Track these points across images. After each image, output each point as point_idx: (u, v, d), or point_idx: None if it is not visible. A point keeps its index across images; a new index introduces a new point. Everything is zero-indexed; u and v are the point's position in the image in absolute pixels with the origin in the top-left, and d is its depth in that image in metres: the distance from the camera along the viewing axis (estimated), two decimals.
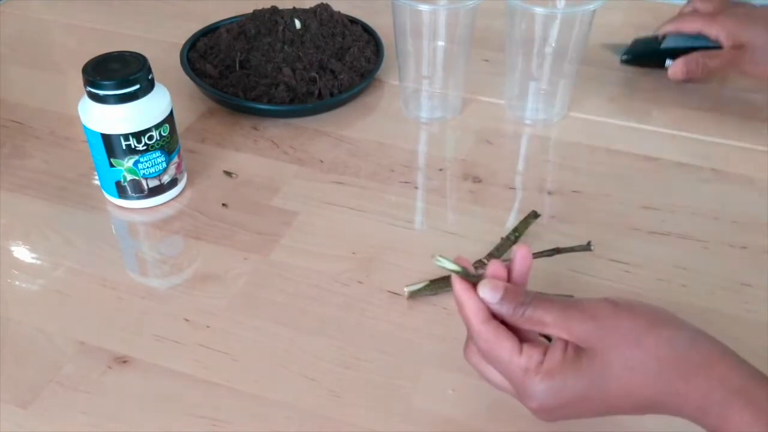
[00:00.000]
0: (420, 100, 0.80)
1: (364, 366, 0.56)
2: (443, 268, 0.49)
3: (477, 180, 0.72)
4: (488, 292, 0.47)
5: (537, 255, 0.58)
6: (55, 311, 0.60)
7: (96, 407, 0.53)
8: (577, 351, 0.45)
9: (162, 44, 0.91)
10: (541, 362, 0.46)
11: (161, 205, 0.70)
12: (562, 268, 0.63)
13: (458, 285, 0.48)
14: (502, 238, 0.64)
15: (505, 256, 0.62)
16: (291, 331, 0.58)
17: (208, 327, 0.59)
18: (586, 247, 0.62)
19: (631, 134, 0.78)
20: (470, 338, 0.49)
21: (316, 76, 0.80)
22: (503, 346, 0.46)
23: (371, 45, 0.88)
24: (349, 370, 0.55)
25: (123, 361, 0.56)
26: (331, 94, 0.80)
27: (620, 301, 0.46)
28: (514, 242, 0.63)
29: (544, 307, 0.46)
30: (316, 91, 0.80)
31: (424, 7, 0.72)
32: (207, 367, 0.56)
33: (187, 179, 0.72)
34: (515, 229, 0.64)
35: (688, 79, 0.78)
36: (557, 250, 0.62)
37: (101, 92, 0.63)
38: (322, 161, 0.75)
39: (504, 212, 0.69)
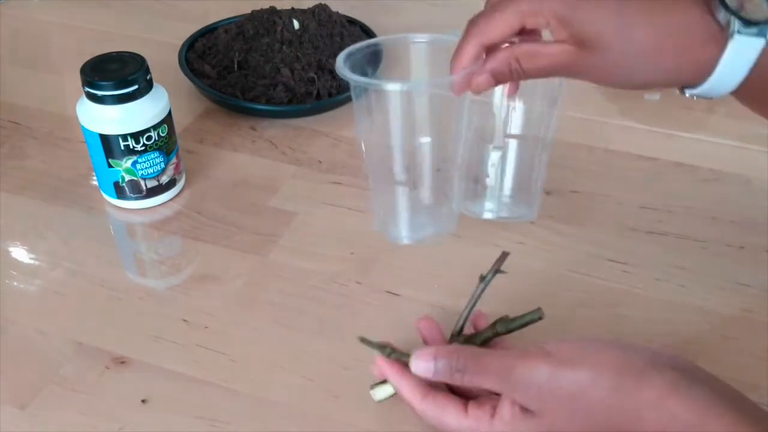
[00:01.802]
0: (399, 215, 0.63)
1: (363, 366, 0.56)
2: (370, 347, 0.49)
3: (476, 180, 0.72)
4: (421, 367, 0.47)
5: (470, 339, 0.53)
6: (53, 312, 0.60)
7: (94, 408, 0.53)
8: (524, 410, 0.44)
9: (160, 45, 0.91)
10: (491, 421, 0.45)
11: (159, 205, 0.70)
12: (560, 268, 0.63)
13: (388, 369, 0.48)
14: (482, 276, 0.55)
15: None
16: (289, 332, 0.58)
17: (206, 327, 0.59)
18: (536, 315, 0.52)
19: (630, 134, 0.78)
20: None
21: (315, 76, 0.80)
22: (448, 413, 0.46)
23: None
24: (348, 370, 0.55)
25: (121, 361, 0.56)
26: (330, 95, 0.80)
27: (560, 354, 0.44)
28: (499, 334, 0.54)
29: (480, 373, 0.46)
30: (315, 92, 0.80)
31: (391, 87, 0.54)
32: (205, 368, 0.56)
33: (186, 180, 0.72)
34: (509, 322, 0.54)
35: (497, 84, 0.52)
36: (499, 330, 0.53)
37: (99, 93, 0.63)
38: (320, 161, 0.75)
39: None
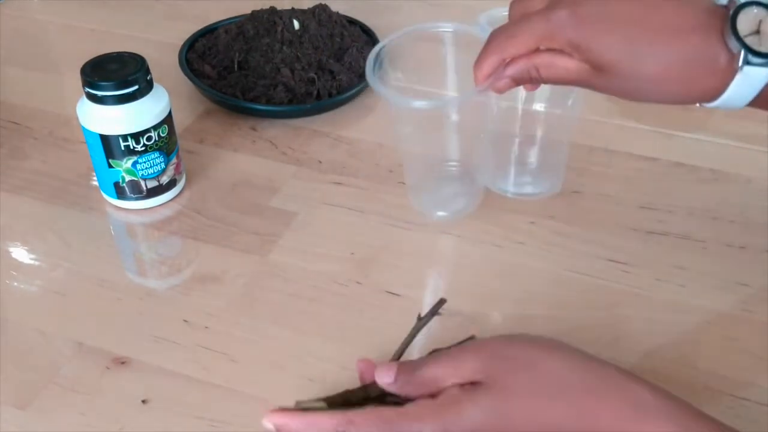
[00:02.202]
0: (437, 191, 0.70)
1: None
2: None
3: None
4: (384, 375, 0.46)
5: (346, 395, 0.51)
6: (53, 312, 0.60)
7: (94, 408, 0.53)
8: (473, 385, 0.43)
9: (160, 45, 0.91)
10: (434, 402, 0.44)
11: (160, 205, 0.70)
12: (559, 268, 0.63)
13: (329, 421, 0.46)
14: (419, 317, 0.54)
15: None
16: (290, 332, 0.58)
17: (206, 328, 0.59)
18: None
19: (630, 134, 0.78)
20: None
21: (315, 76, 0.80)
22: (384, 413, 0.45)
23: (370, 45, 0.88)
24: (348, 371, 0.55)
25: (121, 362, 0.56)
26: (330, 95, 0.80)
27: (515, 335, 0.45)
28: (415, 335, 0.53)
29: (435, 362, 0.45)
30: (315, 92, 0.80)
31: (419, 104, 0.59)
32: (206, 368, 0.56)
33: (186, 180, 0.72)
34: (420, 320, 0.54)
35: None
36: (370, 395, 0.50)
37: (100, 93, 0.63)
38: (320, 162, 0.75)
39: (503, 212, 0.69)
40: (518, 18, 0.52)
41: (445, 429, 0.42)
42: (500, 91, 0.54)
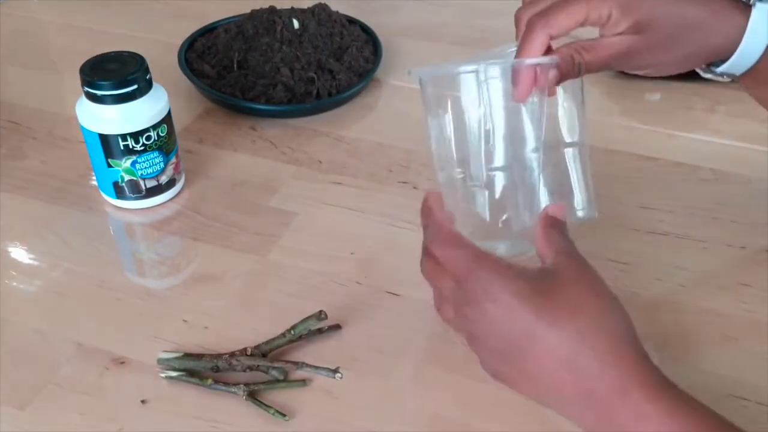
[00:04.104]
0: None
1: (363, 366, 0.56)
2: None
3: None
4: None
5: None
6: (52, 312, 0.60)
7: (94, 408, 0.53)
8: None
9: (160, 44, 0.91)
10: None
11: (159, 205, 0.70)
12: None
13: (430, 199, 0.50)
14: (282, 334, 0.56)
15: (273, 353, 0.56)
16: None
17: (206, 328, 0.59)
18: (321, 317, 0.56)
19: (631, 134, 0.78)
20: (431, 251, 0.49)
21: (315, 76, 0.80)
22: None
23: (369, 45, 0.88)
24: (348, 370, 0.55)
25: (121, 362, 0.56)
26: (330, 94, 0.80)
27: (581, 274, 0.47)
28: (293, 340, 0.56)
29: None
30: (315, 91, 0.80)
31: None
32: None
33: (185, 180, 0.72)
34: (293, 327, 0.56)
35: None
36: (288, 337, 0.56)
37: (99, 92, 0.63)
38: (320, 161, 0.75)
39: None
40: None
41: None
42: (546, 85, 0.53)
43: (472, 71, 0.52)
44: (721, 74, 0.57)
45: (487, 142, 0.53)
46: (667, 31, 0.53)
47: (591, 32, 0.54)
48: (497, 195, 0.54)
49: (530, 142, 0.54)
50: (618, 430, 0.42)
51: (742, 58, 0.54)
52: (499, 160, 0.53)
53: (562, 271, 0.46)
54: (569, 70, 0.53)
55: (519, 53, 0.52)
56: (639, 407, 0.41)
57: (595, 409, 0.43)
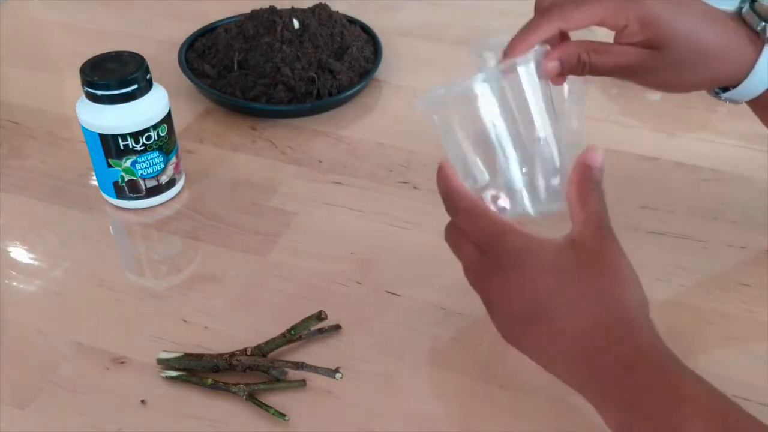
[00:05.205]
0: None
1: (363, 366, 0.56)
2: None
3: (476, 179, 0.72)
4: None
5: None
6: (52, 312, 0.60)
7: (94, 408, 0.53)
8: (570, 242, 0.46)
9: (160, 44, 0.91)
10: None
11: (159, 205, 0.70)
12: None
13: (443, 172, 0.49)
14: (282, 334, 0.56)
15: (273, 353, 0.56)
16: None
17: (206, 328, 0.59)
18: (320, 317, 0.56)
19: (631, 134, 0.78)
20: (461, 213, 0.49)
21: (315, 75, 0.80)
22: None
23: (370, 45, 0.88)
24: (348, 370, 0.55)
25: (121, 362, 0.56)
26: (330, 94, 0.80)
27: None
28: (293, 340, 0.56)
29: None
30: (315, 91, 0.80)
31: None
32: None
33: (185, 180, 0.72)
34: (294, 327, 0.56)
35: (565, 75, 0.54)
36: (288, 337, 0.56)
37: (99, 92, 0.63)
38: (320, 161, 0.75)
39: None
40: None
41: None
42: (547, 74, 0.52)
43: (473, 82, 0.50)
44: (725, 99, 0.58)
45: (502, 145, 0.52)
46: (682, 56, 0.52)
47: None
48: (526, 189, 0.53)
49: (541, 131, 0.53)
50: (621, 403, 0.43)
51: (748, 89, 0.55)
52: (516, 157, 0.52)
53: (586, 244, 0.46)
54: (573, 66, 0.53)
55: (519, 33, 0.52)
56: (644, 381, 0.42)
57: (599, 379, 0.44)
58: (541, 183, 0.53)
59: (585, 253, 0.45)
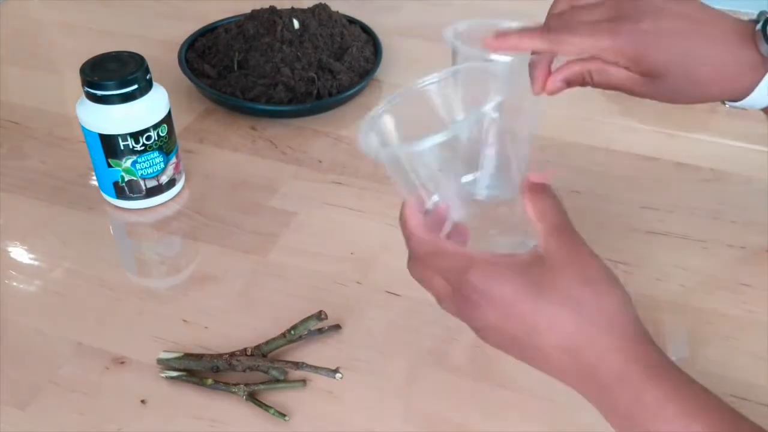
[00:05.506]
0: None
1: (363, 366, 0.56)
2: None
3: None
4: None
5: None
6: (52, 312, 0.60)
7: (94, 408, 0.53)
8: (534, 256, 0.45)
9: (160, 44, 0.91)
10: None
11: (159, 205, 0.70)
12: None
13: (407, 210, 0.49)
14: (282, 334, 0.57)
15: (273, 353, 0.56)
16: None
17: (206, 328, 0.59)
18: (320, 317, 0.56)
19: (631, 134, 0.78)
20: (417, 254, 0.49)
21: (315, 76, 0.80)
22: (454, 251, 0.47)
23: (370, 45, 0.88)
24: (348, 370, 0.55)
25: (121, 362, 0.56)
26: (330, 94, 0.80)
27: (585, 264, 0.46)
28: (293, 340, 0.56)
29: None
30: (315, 91, 0.80)
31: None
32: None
33: (185, 180, 0.72)
34: (294, 327, 0.56)
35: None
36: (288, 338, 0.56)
37: (99, 92, 0.63)
38: (320, 161, 0.75)
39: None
40: (573, 12, 0.54)
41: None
42: (551, 92, 0.55)
43: (437, 81, 0.52)
44: (730, 107, 0.57)
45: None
46: (679, 83, 0.53)
47: None
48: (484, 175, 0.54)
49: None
50: (619, 413, 0.43)
51: (752, 103, 0.55)
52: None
53: (553, 254, 0.45)
54: (576, 84, 0.55)
55: (518, 33, 0.53)
56: (637, 392, 0.42)
57: (596, 391, 0.44)
58: (490, 171, 0.53)
59: (554, 265, 0.45)
